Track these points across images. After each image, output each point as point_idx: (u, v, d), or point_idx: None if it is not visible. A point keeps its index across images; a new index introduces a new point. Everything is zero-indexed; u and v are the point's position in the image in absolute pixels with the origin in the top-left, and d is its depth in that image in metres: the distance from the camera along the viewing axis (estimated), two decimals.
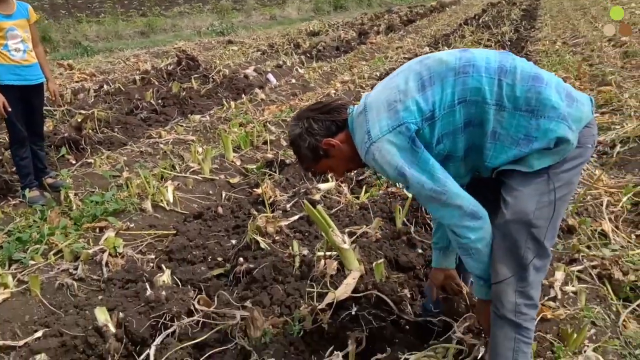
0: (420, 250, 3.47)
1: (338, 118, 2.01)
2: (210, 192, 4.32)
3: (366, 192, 4.24)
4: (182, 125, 6.20)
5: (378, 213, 3.81)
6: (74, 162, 5.23)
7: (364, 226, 3.38)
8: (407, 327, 2.51)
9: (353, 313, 2.59)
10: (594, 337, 2.51)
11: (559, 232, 3.48)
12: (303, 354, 2.48)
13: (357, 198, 4.14)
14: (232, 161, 4.84)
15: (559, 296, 2.75)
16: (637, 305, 2.78)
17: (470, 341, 2.21)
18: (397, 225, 3.62)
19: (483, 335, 2.23)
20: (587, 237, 3.45)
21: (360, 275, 2.87)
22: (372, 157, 1.85)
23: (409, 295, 3.02)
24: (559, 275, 2.94)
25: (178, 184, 4.31)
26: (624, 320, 2.68)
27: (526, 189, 1.80)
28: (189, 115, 6.59)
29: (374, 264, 2.78)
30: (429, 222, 3.77)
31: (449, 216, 1.86)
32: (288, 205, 3.76)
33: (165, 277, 2.88)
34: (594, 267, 3.12)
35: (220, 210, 3.85)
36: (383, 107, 1.85)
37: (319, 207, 2.99)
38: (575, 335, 2.39)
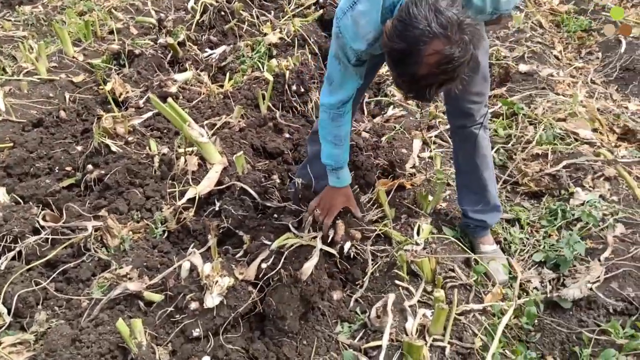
0: (287, 135, 3.40)
1: None
2: (51, 94, 3.79)
3: (230, 79, 3.99)
4: (9, 20, 5.28)
5: (243, 101, 3.62)
6: None
7: (224, 116, 3.19)
8: (275, 214, 2.48)
9: (217, 208, 2.50)
10: (448, 197, 2.68)
11: (418, 103, 3.57)
12: (169, 254, 2.38)
13: (221, 87, 3.89)
14: (74, 57, 4.24)
15: (417, 163, 2.86)
16: None
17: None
18: (262, 112, 3.48)
19: None
20: (442, 101, 3.58)
21: (224, 167, 2.76)
22: None
23: (278, 181, 2.99)
24: (417, 143, 3.05)
25: (10, 89, 3.72)
26: None
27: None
28: (17, 6, 5.60)
29: (234, 157, 2.65)
30: (295, 105, 3.67)
31: None
32: (141, 102, 3.42)
33: (0, 195, 2.54)
34: (448, 130, 3.26)
35: (63, 114, 3.40)
36: None
37: (170, 100, 2.74)
38: (430, 197, 2.52)
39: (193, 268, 2.04)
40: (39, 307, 2.15)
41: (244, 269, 2.05)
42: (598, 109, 3.35)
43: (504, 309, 2.03)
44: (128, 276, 2.07)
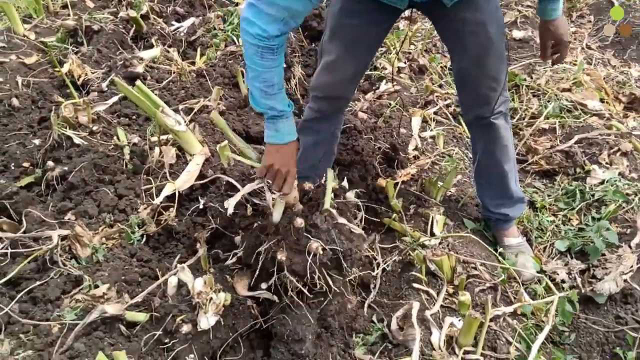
0: None
1: None
2: (0, 79, 3.36)
3: (202, 55, 3.62)
4: None
5: (219, 80, 3.28)
6: None
7: (202, 99, 2.85)
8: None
9: (201, 206, 2.20)
10: (457, 182, 2.45)
11: (412, 74, 3.30)
12: (149, 263, 2.08)
13: (193, 64, 3.52)
14: (24, 35, 3.78)
15: (419, 145, 2.61)
16: None
17: None
18: (242, 91, 3.15)
19: None
20: (439, 75, 3.32)
21: (206, 159, 2.44)
22: None
23: None
24: (416, 121, 2.80)
25: None
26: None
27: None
28: None
29: (217, 147, 2.33)
30: None
31: None
32: (104, 84, 3.04)
33: None
34: (447, 106, 3.02)
35: (15, 101, 3.00)
36: None
37: (139, 83, 2.39)
38: (439, 183, 2.28)
39: (182, 284, 1.76)
40: (1, 335, 1.84)
41: (242, 281, 1.78)
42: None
43: (537, 307, 1.82)
44: (105, 296, 1.77)
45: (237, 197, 1.75)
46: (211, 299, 1.67)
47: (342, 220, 1.69)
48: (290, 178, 1.72)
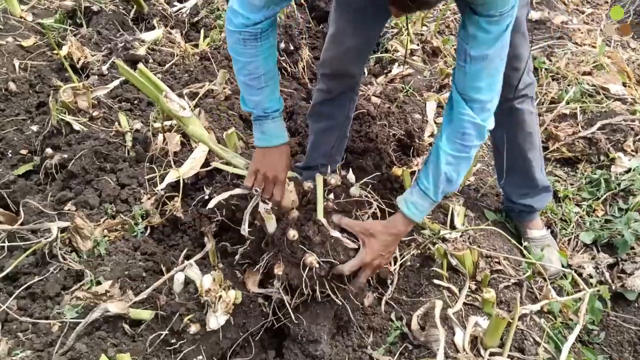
0: (284, 97, 2.97)
1: None
2: None
3: (206, 37, 3.49)
4: None
5: (224, 62, 3.15)
6: None
7: (208, 82, 2.73)
8: None
9: (207, 196, 2.09)
10: (475, 170, 2.33)
11: (425, 57, 3.16)
12: (154, 256, 1.98)
13: (196, 46, 3.39)
14: (21, 17, 3.64)
15: (435, 131, 2.49)
16: None
17: None
18: None
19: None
20: (452, 57, 3.18)
21: None
22: None
23: None
24: (430, 106, 2.67)
25: None
26: None
27: None
28: None
29: (224, 135, 2.22)
30: (284, 65, 3.22)
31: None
32: (105, 68, 2.91)
33: None
34: None
35: (12, 86, 2.88)
36: None
37: (141, 66, 2.25)
38: None
39: (189, 280, 1.66)
40: None
41: (252, 277, 1.67)
42: None
43: (565, 305, 1.72)
44: (108, 294, 1.67)
45: (219, 198, 1.66)
46: (220, 297, 1.57)
47: (335, 233, 1.57)
48: (279, 184, 1.63)
